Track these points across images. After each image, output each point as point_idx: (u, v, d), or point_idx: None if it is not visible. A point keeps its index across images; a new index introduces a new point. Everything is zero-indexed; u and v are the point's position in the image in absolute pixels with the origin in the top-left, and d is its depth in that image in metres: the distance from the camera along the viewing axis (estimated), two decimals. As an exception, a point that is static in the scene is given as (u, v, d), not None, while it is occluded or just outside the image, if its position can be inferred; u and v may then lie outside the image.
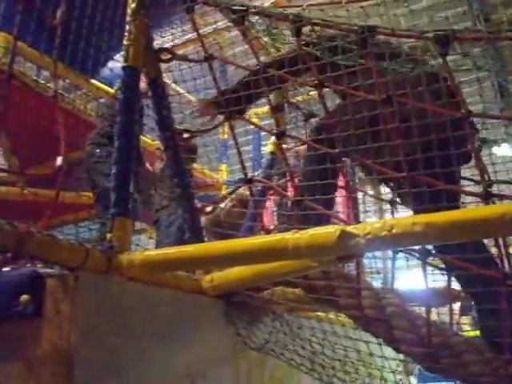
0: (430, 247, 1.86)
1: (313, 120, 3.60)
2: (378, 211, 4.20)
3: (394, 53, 2.09)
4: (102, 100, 5.30)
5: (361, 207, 3.87)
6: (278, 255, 1.74)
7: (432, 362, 1.91)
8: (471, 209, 1.76)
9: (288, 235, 1.65)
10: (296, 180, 2.53)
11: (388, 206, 2.55)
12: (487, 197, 1.75)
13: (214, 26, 3.26)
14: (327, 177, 2.24)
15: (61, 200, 2.07)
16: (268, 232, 2.62)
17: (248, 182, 2.37)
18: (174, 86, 3.25)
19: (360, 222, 1.69)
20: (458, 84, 1.81)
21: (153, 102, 2.48)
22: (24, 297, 1.62)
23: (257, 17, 2.33)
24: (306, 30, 2.01)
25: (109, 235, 1.95)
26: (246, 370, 2.40)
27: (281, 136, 2.29)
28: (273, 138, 3.93)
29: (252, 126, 3.98)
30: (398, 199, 2.49)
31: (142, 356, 1.80)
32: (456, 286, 2.24)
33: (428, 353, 1.90)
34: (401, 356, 2.23)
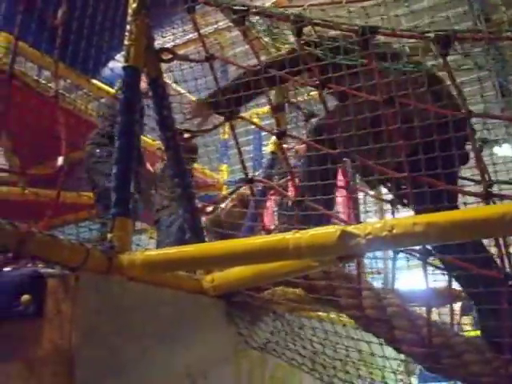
0: (429, 247, 1.86)
1: (312, 120, 3.61)
2: (379, 211, 4.20)
3: (394, 53, 2.10)
4: (102, 100, 5.31)
5: (361, 207, 3.86)
6: (278, 255, 1.74)
7: (433, 362, 1.91)
8: (472, 209, 1.76)
9: (289, 235, 1.65)
10: (296, 180, 2.53)
11: (388, 206, 2.55)
12: (488, 197, 1.75)
13: (215, 26, 3.26)
14: (326, 177, 2.24)
15: (62, 200, 2.07)
16: (269, 232, 2.62)
17: (249, 181, 2.38)
18: (174, 86, 3.25)
19: (361, 222, 1.69)
20: (459, 84, 1.81)
21: (153, 102, 2.48)
22: (25, 297, 1.62)
23: (257, 17, 2.33)
24: (306, 30, 2.01)
25: (109, 235, 1.95)
26: (247, 370, 2.40)
27: (281, 136, 2.30)
28: (273, 138, 3.94)
29: (253, 126, 3.98)
30: (396, 200, 2.49)
31: (143, 356, 1.80)
32: (457, 285, 2.25)
33: (429, 353, 1.90)
34: (402, 356, 2.23)
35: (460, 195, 2.16)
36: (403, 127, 1.90)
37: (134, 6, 2.28)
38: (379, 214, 4.18)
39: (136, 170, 2.18)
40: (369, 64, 1.93)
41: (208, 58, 2.40)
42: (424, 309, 2.00)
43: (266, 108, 5.42)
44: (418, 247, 1.83)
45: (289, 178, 2.90)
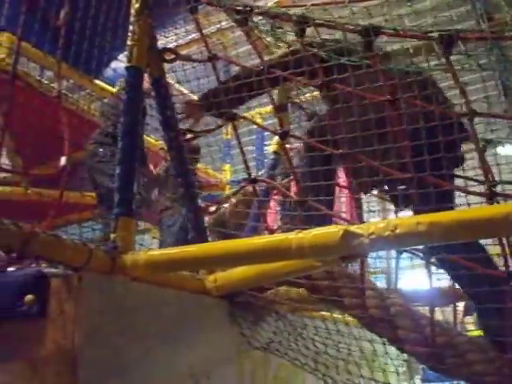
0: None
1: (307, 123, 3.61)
2: (382, 211, 4.19)
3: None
4: (105, 100, 5.31)
5: (364, 207, 3.86)
6: (281, 255, 1.74)
7: (436, 362, 1.91)
8: (475, 208, 1.75)
9: (291, 235, 1.65)
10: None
11: (392, 206, 2.55)
12: (491, 196, 1.75)
13: (218, 26, 3.26)
14: (322, 177, 2.25)
15: (65, 200, 2.07)
16: (272, 232, 2.62)
17: (252, 181, 2.38)
18: (177, 86, 3.25)
19: (364, 222, 1.69)
20: (462, 84, 1.81)
21: (156, 102, 2.49)
22: (28, 297, 1.63)
23: (260, 17, 2.33)
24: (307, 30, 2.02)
25: (112, 235, 1.95)
26: (250, 370, 2.40)
27: (284, 136, 2.30)
28: (276, 138, 3.94)
29: (255, 126, 3.97)
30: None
31: (146, 356, 1.80)
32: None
33: (432, 352, 1.90)
34: (404, 356, 2.23)
35: (464, 195, 2.15)
36: (396, 130, 1.91)
37: (137, 6, 2.28)
38: (382, 213, 4.18)
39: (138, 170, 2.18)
40: (373, 65, 1.93)
41: (210, 58, 2.40)
42: (427, 308, 2.00)
43: (269, 108, 5.42)
44: (421, 247, 1.83)
45: (291, 178, 2.91)
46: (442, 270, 2.11)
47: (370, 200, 3.24)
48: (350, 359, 2.31)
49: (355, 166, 2.08)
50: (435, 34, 1.72)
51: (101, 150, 4.48)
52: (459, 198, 2.21)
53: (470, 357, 1.90)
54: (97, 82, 5.58)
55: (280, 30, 2.33)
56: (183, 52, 2.75)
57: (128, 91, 2.20)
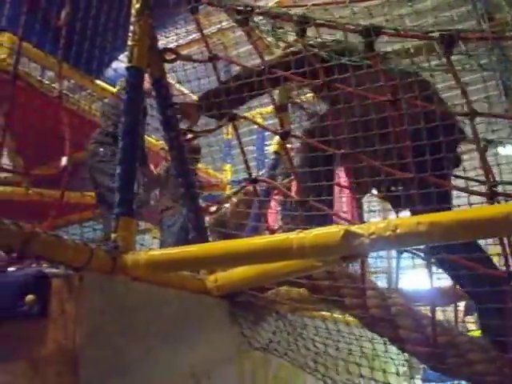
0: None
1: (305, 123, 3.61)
2: (382, 211, 4.19)
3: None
4: (105, 99, 5.31)
5: (365, 207, 3.86)
6: (282, 255, 1.74)
7: (437, 362, 1.91)
8: (476, 208, 1.75)
9: (292, 235, 1.65)
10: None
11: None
12: (492, 196, 1.75)
13: (219, 26, 3.26)
14: (322, 177, 2.25)
15: (65, 200, 2.07)
16: (272, 232, 2.62)
17: (253, 181, 2.38)
18: (178, 86, 3.25)
19: (364, 222, 1.69)
20: (463, 84, 1.81)
21: (157, 102, 2.49)
22: (29, 297, 1.63)
23: (261, 17, 2.33)
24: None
25: (113, 235, 1.95)
26: (250, 370, 2.40)
27: (285, 136, 2.30)
28: (277, 138, 3.94)
29: (256, 126, 3.98)
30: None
31: (147, 356, 1.80)
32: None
33: (433, 352, 1.90)
34: (405, 356, 2.23)
35: (464, 195, 2.16)
36: (394, 131, 1.92)
37: (138, 6, 2.29)
38: (383, 213, 4.17)
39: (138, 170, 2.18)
40: (374, 64, 1.94)
41: (211, 58, 2.40)
42: (428, 308, 2.00)
43: (270, 108, 5.41)
44: (421, 246, 1.83)
45: (292, 178, 2.91)
46: (442, 270, 2.11)
47: (371, 200, 3.23)
48: (351, 359, 2.31)
49: (353, 166, 2.09)
50: (436, 34, 1.72)
51: (101, 149, 4.46)
52: (460, 199, 2.22)
53: (471, 356, 1.90)
54: (98, 82, 5.59)
55: (281, 30, 2.33)
56: (184, 52, 2.74)
57: (129, 91, 2.20)
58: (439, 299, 2.34)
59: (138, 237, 2.23)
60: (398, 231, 1.48)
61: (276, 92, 3.54)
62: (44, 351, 1.61)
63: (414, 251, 1.91)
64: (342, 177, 2.96)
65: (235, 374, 2.31)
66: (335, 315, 2.66)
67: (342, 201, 3.89)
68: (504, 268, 1.84)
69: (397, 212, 2.47)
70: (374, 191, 2.71)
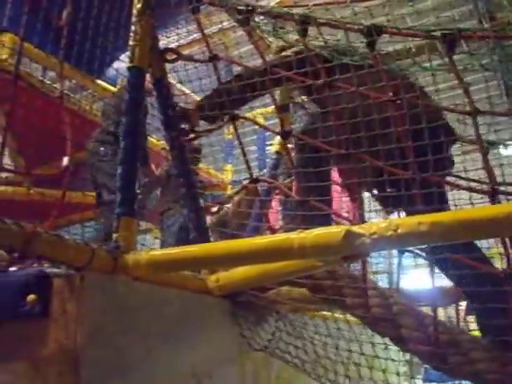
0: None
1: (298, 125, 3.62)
2: (383, 211, 4.18)
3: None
4: (106, 99, 5.31)
5: (366, 207, 3.86)
6: (283, 255, 1.74)
7: (439, 361, 1.91)
8: (477, 208, 1.75)
9: (293, 235, 1.65)
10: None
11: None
12: (494, 194, 1.75)
13: (220, 26, 3.26)
14: (317, 177, 2.25)
15: (67, 200, 2.07)
16: (273, 232, 2.62)
17: (254, 181, 2.38)
18: (179, 86, 3.25)
19: (365, 222, 1.69)
20: (465, 83, 1.81)
21: (158, 102, 2.49)
22: (31, 296, 1.63)
23: (262, 17, 2.33)
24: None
25: (114, 235, 1.95)
26: (252, 370, 2.40)
27: (286, 136, 2.30)
28: (278, 138, 3.94)
29: (257, 126, 3.98)
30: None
31: (148, 356, 1.80)
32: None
33: (435, 351, 1.90)
34: (406, 357, 2.23)
35: (465, 196, 2.16)
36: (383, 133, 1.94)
37: (139, 6, 2.29)
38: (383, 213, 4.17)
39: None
40: (375, 64, 1.94)
41: (212, 58, 2.40)
42: (430, 308, 2.00)
43: (271, 108, 5.42)
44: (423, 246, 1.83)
45: (293, 178, 2.91)
46: (439, 270, 2.11)
47: (372, 200, 3.24)
48: (351, 360, 2.31)
49: (346, 166, 2.10)
50: (437, 33, 1.72)
51: (102, 148, 4.44)
52: (461, 200, 2.22)
53: (472, 355, 1.90)
54: (99, 82, 5.59)
55: (282, 30, 2.33)
56: (185, 52, 2.75)
57: (130, 91, 2.21)
58: (441, 299, 2.34)
59: (139, 237, 2.23)
60: (399, 231, 1.47)
61: (277, 92, 3.54)
62: (45, 351, 1.61)
63: (415, 251, 1.91)
64: (335, 177, 2.96)
65: (237, 374, 2.31)
66: (336, 315, 2.66)
67: (342, 201, 3.89)
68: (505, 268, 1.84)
69: (388, 213, 2.47)
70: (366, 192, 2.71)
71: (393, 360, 2.28)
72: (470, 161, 2.37)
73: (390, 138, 1.98)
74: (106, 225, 3.94)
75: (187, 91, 3.57)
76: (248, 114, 3.06)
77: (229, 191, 6.47)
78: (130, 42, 2.24)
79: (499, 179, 1.90)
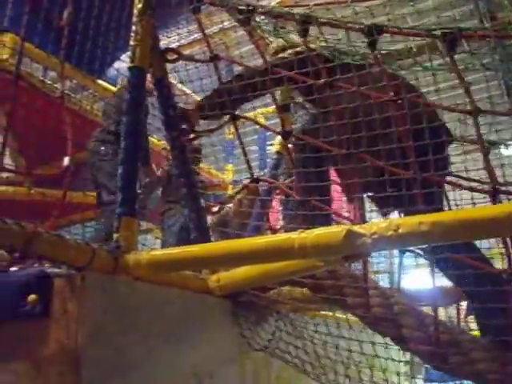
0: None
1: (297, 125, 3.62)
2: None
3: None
4: (107, 99, 5.30)
5: (367, 206, 3.86)
6: (284, 255, 1.74)
7: (440, 361, 1.91)
8: (478, 208, 1.75)
9: (294, 235, 1.65)
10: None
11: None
12: (495, 194, 1.75)
13: (220, 26, 3.26)
14: (316, 177, 2.26)
15: (68, 200, 2.07)
16: (274, 231, 2.62)
17: (255, 181, 2.38)
18: (180, 86, 3.25)
19: (366, 222, 1.69)
20: (466, 83, 1.81)
21: (159, 102, 2.49)
22: (32, 296, 1.63)
23: (263, 17, 2.33)
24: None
25: (115, 235, 1.95)
26: (252, 370, 2.40)
27: (287, 136, 2.30)
28: (279, 138, 3.94)
29: (258, 126, 3.98)
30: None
31: (149, 356, 1.80)
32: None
33: (436, 351, 1.90)
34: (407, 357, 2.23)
35: (465, 196, 2.16)
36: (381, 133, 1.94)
37: (140, 6, 2.29)
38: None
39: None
40: (376, 64, 1.94)
41: (213, 58, 2.40)
42: (431, 308, 2.00)
43: (272, 108, 5.41)
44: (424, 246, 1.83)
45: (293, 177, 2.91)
46: (439, 269, 2.11)
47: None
48: (351, 360, 2.31)
49: (344, 167, 2.11)
50: (438, 32, 1.72)
51: (102, 148, 4.42)
52: (462, 200, 2.22)
53: (473, 355, 1.89)
54: (100, 82, 5.59)
55: (283, 30, 2.34)
56: (186, 52, 2.75)
57: (131, 91, 2.21)
58: (441, 299, 2.33)
59: (139, 237, 2.23)
60: (400, 231, 1.47)
61: (278, 92, 3.54)
62: (46, 351, 1.61)
63: (416, 251, 1.91)
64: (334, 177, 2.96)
65: (237, 374, 2.31)
66: (337, 315, 2.66)
67: (343, 201, 3.89)
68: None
69: (384, 214, 2.47)
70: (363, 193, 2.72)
71: (393, 360, 2.27)
72: (471, 161, 2.37)
73: (388, 138, 1.98)
74: (106, 225, 3.94)
75: (188, 91, 3.57)
76: (249, 114, 3.06)
77: (230, 191, 6.47)
78: (131, 42, 2.24)
79: (500, 179, 1.90)
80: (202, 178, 5.22)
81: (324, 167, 2.37)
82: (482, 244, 2.31)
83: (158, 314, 1.89)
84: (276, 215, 3.51)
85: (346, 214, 2.85)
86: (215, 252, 1.89)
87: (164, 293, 1.97)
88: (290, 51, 2.50)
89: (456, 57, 1.76)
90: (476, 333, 2.20)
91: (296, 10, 2.13)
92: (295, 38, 2.36)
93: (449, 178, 2.19)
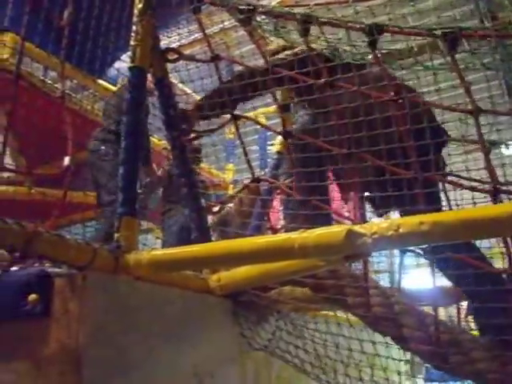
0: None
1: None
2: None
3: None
4: (107, 98, 5.30)
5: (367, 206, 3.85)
6: (284, 254, 1.74)
7: (440, 360, 1.91)
8: (479, 208, 1.75)
9: (295, 234, 1.65)
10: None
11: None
12: (495, 193, 1.75)
13: (221, 26, 3.26)
14: (313, 177, 2.26)
15: (68, 200, 2.07)
16: (275, 231, 2.62)
17: (255, 181, 2.38)
18: (180, 85, 3.25)
19: (367, 222, 1.69)
20: (467, 82, 1.81)
21: (160, 102, 2.49)
22: (32, 296, 1.63)
23: (263, 16, 2.33)
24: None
25: (116, 235, 1.95)
26: (253, 370, 2.40)
27: (288, 135, 2.30)
28: (279, 138, 3.93)
29: (259, 126, 3.98)
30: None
31: (150, 355, 1.80)
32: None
33: (436, 351, 1.90)
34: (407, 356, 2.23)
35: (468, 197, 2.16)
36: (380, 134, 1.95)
37: (140, 6, 2.29)
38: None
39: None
40: (376, 63, 1.94)
41: (213, 58, 2.40)
42: (431, 307, 2.00)
43: (273, 107, 5.42)
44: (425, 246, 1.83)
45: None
46: (439, 269, 2.11)
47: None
48: (351, 360, 2.31)
49: (338, 167, 2.11)
50: (439, 32, 1.72)
51: (103, 147, 4.39)
52: (463, 200, 2.22)
53: (473, 355, 1.90)
54: (100, 82, 5.59)
55: (283, 30, 2.34)
56: (186, 52, 2.75)
57: (131, 91, 2.21)
58: (442, 298, 2.33)
59: (140, 236, 2.23)
60: (401, 231, 1.47)
61: (278, 92, 3.54)
62: (47, 351, 1.61)
63: (417, 250, 1.91)
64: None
65: (238, 374, 2.31)
66: (338, 315, 2.66)
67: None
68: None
69: (379, 215, 2.47)
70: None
71: (394, 359, 2.28)
72: (471, 160, 2.37)
73: (383, 139, 1.99)
74: (105, 225, 3.92)
75: (189, 91, 3.57)
76: (250, 114, 3.06)
77: (230, 191, 6.47)
78: (132, 42, 2.24)
79: (501, 179, 1.90)
80: (202, 177, 5.22)
81: (320, 167, 2.37)
82: (483, 243, 2.31)
83: (158, 313, 1.90)
84: (277, 215, 3.51)
85: (347, 214, 2.85)
86: (216, 252, 1.89)
87: (165, 292, 1.97)
88: (286, 52, 2.50)
89: (457, 56, 1.76)
90: (475, 333, 2.20)
91: (296, 10, 2.13)
92: (296, 37, 2.36)
93: (449, 178, 2.18)
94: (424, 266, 2.05)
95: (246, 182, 2.55)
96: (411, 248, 1.96)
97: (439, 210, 2.18)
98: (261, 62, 2.40)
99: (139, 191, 2.48)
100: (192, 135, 2.61)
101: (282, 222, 3.04)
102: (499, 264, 2.09)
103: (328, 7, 2.32)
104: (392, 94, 1.94)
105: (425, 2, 2.93)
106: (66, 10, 2.31)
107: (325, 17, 2.00)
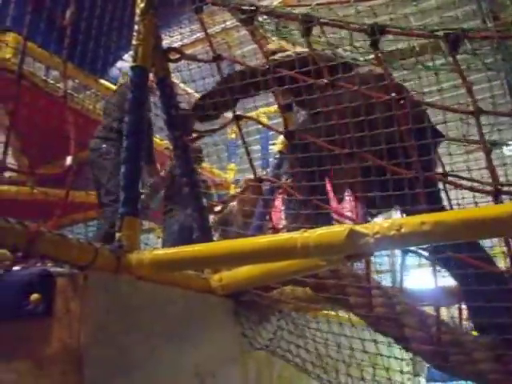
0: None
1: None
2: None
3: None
4: (108, 97, 5.30)
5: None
6: (286, 254, 1.74)
7: (441, 360, 1.91)
8: (481, 208, 1.75)
9: (296, 234, 1.65)
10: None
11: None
12: (497, 194, 1.75)
13: (223, 26, 3.27)
14: (312, 177, 2.26)
15: (70, 199, 2.07)
16: (277, 231, 2.62)
17: (257, 181, 2.38)
18: (182, 85, 3.25)
19: (368, 221, 1.69)
20: (469, 82, 1.81)
21: (161, 102, 2.49)
22: (34, 296, 1.63)
23: (265, 16, 2.33)
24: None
25: (118, 234, 1.96)
26: (254, 369, 2.40)
27: (290, 135, 2.30)
28: (281, 138, 3.94)
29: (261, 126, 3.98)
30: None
31: (152, 355, 1.80)
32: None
33: (437, 351, 1.90)
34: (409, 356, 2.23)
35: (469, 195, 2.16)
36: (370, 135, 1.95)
37: (142, 5, 2.29)
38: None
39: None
40: (378, 63, 1.94)
41: (215, 57, 2.40)
42: (433, 308, 2.00)
43: (274, 107, 5.41)
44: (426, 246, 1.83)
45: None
46: (444, 269, 2.11)
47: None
48: (353, 360, 2.31)
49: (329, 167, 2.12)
50: (441, 33, 1.72)
51: (104, 145, 4.37)
52: (464, 199, 2.22)
53: (475, 355, 1.89)
54: (102, 81, 5.60)
55: (285, 30, 2.34)
56: (188, 51, 2.75)
57: (133, 90, 2.21)
58: (444, 298, 2.33)
59: (142, 236, 2.23)
60: (403, 230, 1.47)
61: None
62: (49, 350, 1.62)
63: (419, 251, 1.91)
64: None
65: (239, 374, 2.31)
66: (339, 315, 2.66)
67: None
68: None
69: (373, 215, 2.47)
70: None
71: (396, 358, 2.28)
72: (473, 160, 2.37)
73: (376, 139, 1.99)
74: (105, 224, 3.92)
75: (190, 91, 3.58)
76: (251, 114, 3.06)
77: (232, 190, 6.47)
78: (134, 42, 2.25)
79: (502, 179, 1.90)
80: (204, 177, 5.22)
81: (320, 167, 2.38)
82: (485, 243, 2.31)
83: (160, 313, 1.90)
84: (278, 214, 3.51)
85: (349, 214, 2.85)
86: (217, 251, 1.89)
87: (166, 292, 1.97)
88: (280, 54, 2.51)
89: (458, 57, 1.76)
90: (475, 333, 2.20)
91: (298, 10, 2.13)
92: (298, 37, 2.36)
93: (451, 178, 2.18)
94: (426, 265, 2.04)
95: (248, 181, 2.56)
96: (413, 248, 1.96)
97: (439, 209, 2.18)
98: (262, 62, 2.41)
99: (142, 191, 2.48)
100: (194, 135, 2.61)
101: (283, 222, 3.05)
102: (501, 263, 2.09)
103: (329, 7, 2.32)
104: (381, 94, 1.95)
105: (427, 1, 2.93)
106: (68, 9, 2.31)
107: (326, 17, 2.00)
